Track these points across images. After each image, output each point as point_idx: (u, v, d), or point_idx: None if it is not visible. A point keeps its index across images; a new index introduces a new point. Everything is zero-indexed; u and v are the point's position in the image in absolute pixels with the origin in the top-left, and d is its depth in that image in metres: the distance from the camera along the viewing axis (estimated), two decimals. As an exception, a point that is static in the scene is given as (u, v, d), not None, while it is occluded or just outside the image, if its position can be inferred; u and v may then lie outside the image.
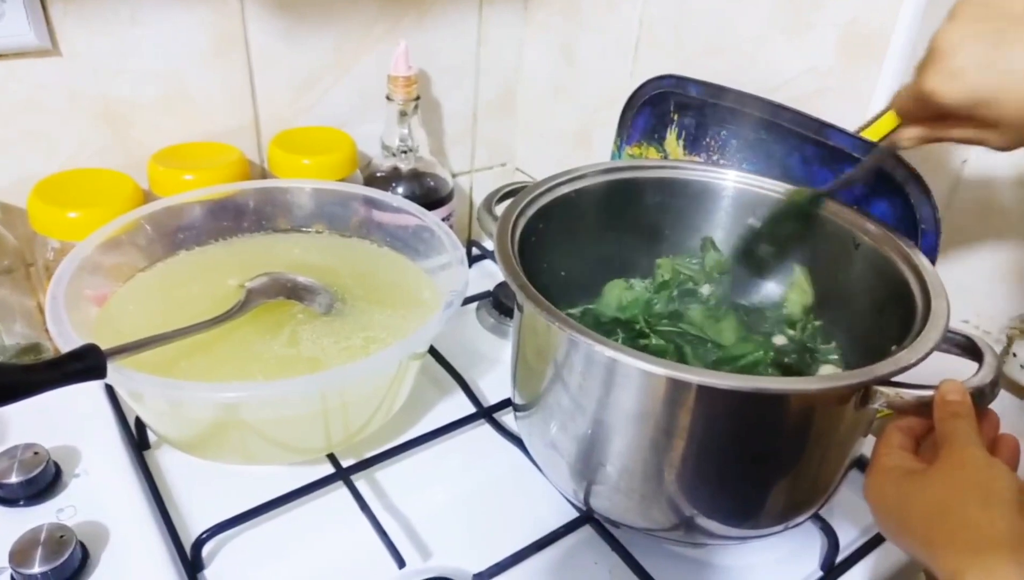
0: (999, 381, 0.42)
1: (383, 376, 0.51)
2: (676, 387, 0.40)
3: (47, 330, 0.67)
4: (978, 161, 0.58)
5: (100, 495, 0.51)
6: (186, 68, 0.68)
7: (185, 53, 0.67)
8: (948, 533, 0.34)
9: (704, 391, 0.40)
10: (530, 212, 0.53)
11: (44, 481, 0.50)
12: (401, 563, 0.46)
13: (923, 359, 0.40)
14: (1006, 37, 0.33)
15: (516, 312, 0.51)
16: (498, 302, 0.72)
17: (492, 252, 0.80)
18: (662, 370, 0.39)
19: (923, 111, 0.39)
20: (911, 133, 0.43)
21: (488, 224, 0.52)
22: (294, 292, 0.56)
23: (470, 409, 0.59)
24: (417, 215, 0.62)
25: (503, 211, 0.52)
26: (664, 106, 0.67)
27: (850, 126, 0.55)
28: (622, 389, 0.42)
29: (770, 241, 0.56)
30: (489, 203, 0.54)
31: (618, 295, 0.59)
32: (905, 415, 0.42)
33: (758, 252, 0.57)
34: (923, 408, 0.40)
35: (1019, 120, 0.35)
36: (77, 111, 0.65)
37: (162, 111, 0.69)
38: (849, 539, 0.52)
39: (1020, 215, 0.57)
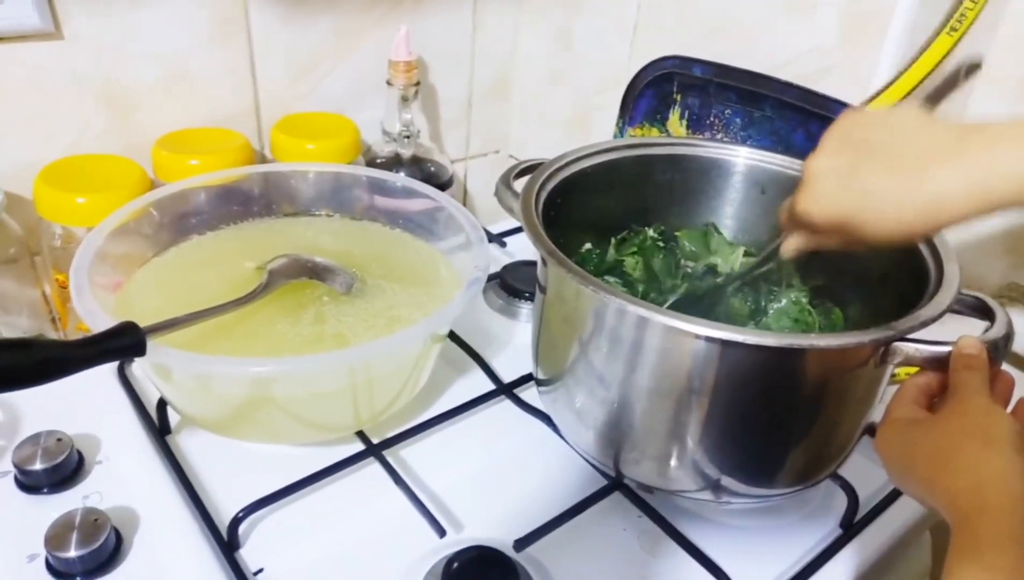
0: (1012, 337, 0.44)
1: (410, 352, 0.51)
2: (706, 344, 0.41)
3: (52, 320, 0.66)
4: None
5: (125, 481, 0.50)
6: (188, 51, 0.67)
7: (187, 36, 0.67)
8: (950, 475, 0.36)
9: (732, 347, 0.41)
10: (550, 186, 0.53)
11: (69, 468, 0.49)
12: (442, 532, 0.46)
13: (941, 315, 0.42)
14: (860, 166, 0.38)
15: (537, 292, 0.52)
16: (505, 284, 0.72)
17: (496, 235, 0.81)
18: (693, 327, 0.40)
19: (800, 226, 0.45)
20: (793, 244, 0.48)
21: (508, 199, 0.53)
22: (315, 273, 0.56)
23: (489, 386, 0.60)
24: (431, 196, 0.62)
25: (525, 184, 0.52)
26: (667, 87, 0.69)
27: (854, 102, 0.58)
28: (651, 349, 0.43)
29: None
30: (507, 179, 0.55)
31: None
32: (923, 372, 0.44)
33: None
34: (939, 363, 0.42)
35: (874, 238, 0.40)
36: (79, 94, 0.63)
37: (164, 95, 0.68)
38: (865, 499, 0.54)
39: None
